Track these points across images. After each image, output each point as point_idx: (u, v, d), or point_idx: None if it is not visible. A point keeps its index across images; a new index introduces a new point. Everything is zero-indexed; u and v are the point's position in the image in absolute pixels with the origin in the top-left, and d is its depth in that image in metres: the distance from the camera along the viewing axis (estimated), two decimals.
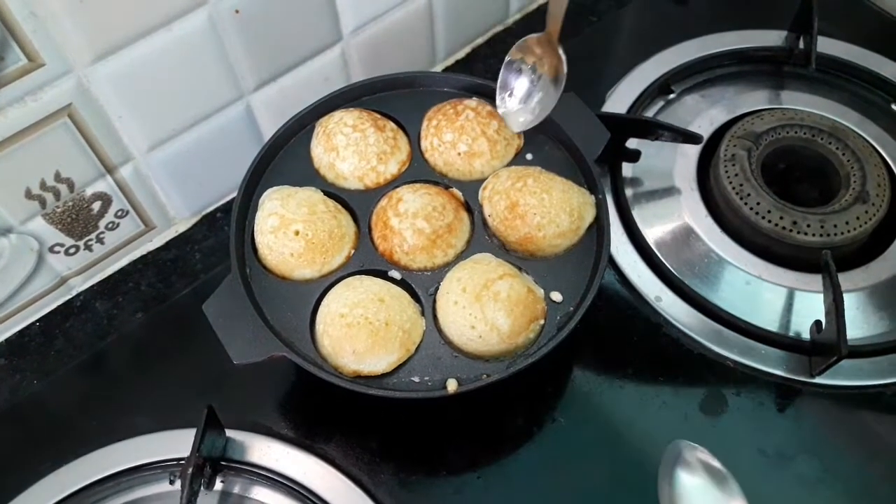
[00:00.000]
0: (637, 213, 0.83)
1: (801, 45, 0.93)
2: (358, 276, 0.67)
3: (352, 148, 0.72)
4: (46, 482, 0.68)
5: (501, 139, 0.75)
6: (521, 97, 0.74)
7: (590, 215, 0.70)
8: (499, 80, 0.75)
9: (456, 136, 0.73)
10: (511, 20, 1.04)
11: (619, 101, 0.91)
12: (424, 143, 0.75)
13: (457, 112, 0.75)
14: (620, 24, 1.03)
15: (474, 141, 0.73)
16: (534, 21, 1.04)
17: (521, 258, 0.69)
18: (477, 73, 0.99)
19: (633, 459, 0.70)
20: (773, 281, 0.77)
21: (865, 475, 0.69)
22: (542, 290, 0.66)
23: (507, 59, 0.74)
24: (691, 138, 0.82)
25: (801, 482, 0.68)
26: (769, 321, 0.75)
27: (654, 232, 0.82)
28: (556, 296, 0.66)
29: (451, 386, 0.61)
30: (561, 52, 0.72)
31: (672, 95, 0.93)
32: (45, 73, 0.65)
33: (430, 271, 0.68)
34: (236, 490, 0.67)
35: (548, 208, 0.68)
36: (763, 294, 0.77)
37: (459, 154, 0.73)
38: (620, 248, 0.81)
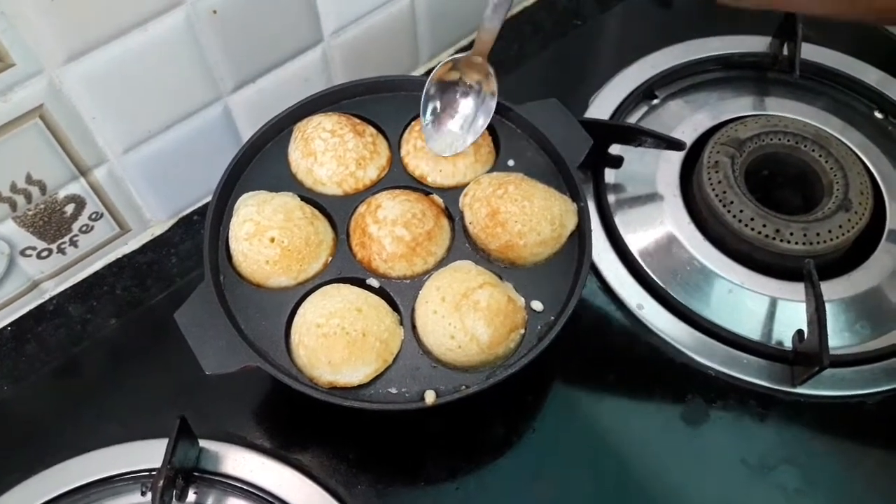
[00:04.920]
0: (619, 220, 0.82)
1: (786, 51, 0.93)
2: (335, 285, 0.66)
3: (330, 153, 0.71)
4: (13, 494, 0.66)
5: (486, 144, 0.75)
6: (466, 120, 0.73)
7: (571, 223, 0.69)
8: (430, 101, 0.73)
9: None
10: None
11: (602, 106, 0.90)
12: (406, 148, 0.74)
13: None
14: (604, 27, 1.03)
15: None
16: (518, 24, 1.03)
17: (501, 266, 0.68)
18: None
19: (613, 469, 0.69)
20: (755, 289, 0.77)
21: (847, 485, 0.68)
22: (522, 299, 0.65)
23: (439, 77, 0.72)
24: (674, 145, 0.82)
25: (782, 492, 0.68)
26: (751, 330, 0.75)
27: (637, 239, 0.81)
28: (537, 305, 0.66)
29: (430, 397, 0.60)
30: (491, 70, 0.71)
31: (656, 101, 0.92)
32: (15, 74, 0.64)
33: (409, 279, 0.67)
34: (209, 502, 0.66)
35: (529, 216, 0.67)
36: (745, 302, 0.76)
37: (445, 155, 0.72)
38: (602, 254, 0.80)
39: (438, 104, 0.73)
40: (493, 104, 0.72)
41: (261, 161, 0.73)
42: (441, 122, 0.73)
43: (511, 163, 0.74)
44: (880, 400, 0.71)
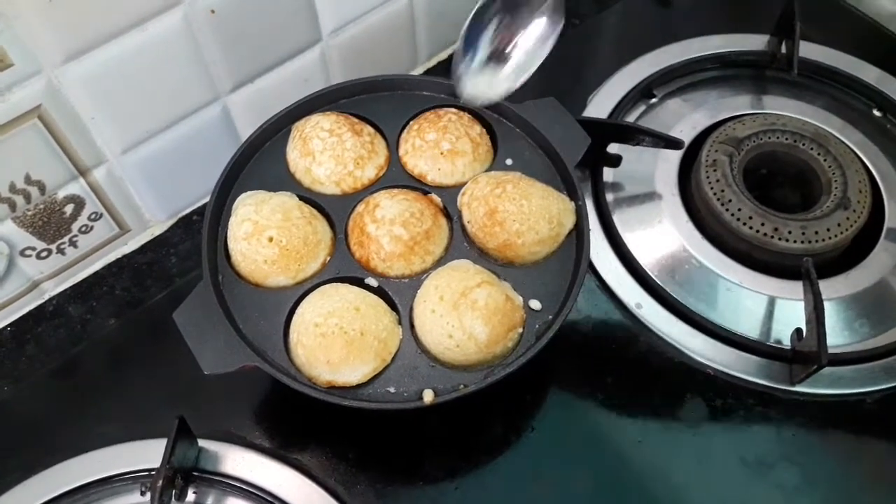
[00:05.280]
0: (618, 218, 0.82)
1: (784, 49, 0.93)
2: (333, 284, 0.66)
3: (328, 152, 0.71)
4: (14, 493, 0.67)
5: (484, 143, 0.74)
6: (521, 50, 0.62)
7: (569, 222, 0.69)
8: (467, 33, 0.60)
9: (439, 135, 0.73)
10: None
11: (600, 105, 0.90)
12: (405, 147, 0.74)
13: (439, 116, 0.75)
14: (602, 26, 1.03)
15: (458, 140, 0.73)
16: None
17: (499, 265, 0.68)
18: None
19: (612, 468, 0.69)
20: (753, 288, 0.76)
21: (845, 484, 0.68)
22: (520, 298, 0.65)
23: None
24: (673, 143, 0.82)
25: (781, 491, 0.68)
26: (750, 329, 0.75)
27: (635, 237, 0.81)
28: (535, 304, 0.66)
29: (428, 397, 0.60)
30: None
31: (654, 99, 0.92)
32: (13, 74, 0.64)
33: (407, 279, 0.67)
34: (209, 501, 0.66)
35: (527, 215, 0.67)
36: (744, 301, 0.76)
37: (442, 153, 0.72)
38: (601, 253, 0.80)
39: (494, 27, 0.60)
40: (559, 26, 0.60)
41: (259, 161, 0.73)
42: (492, 54, 0.62)
43: (509, 162, 0.74)
44: (879, 398, 0.71)
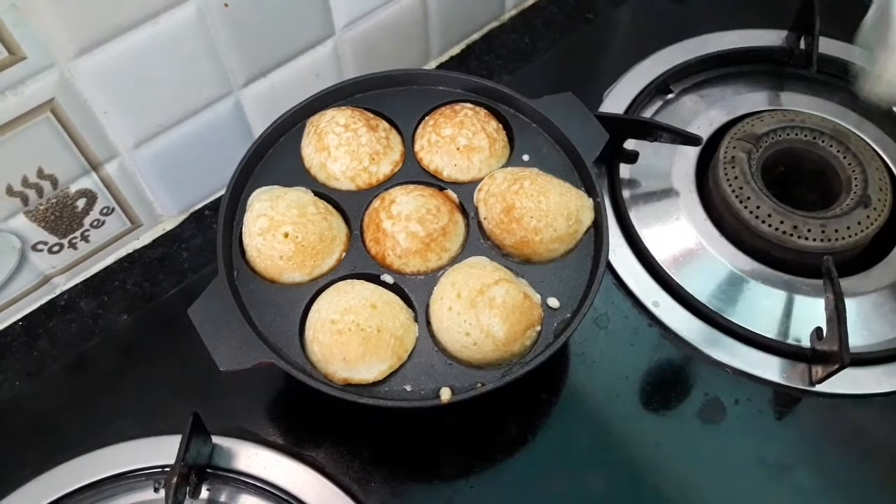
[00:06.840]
0: (634, 215, 0.81)
1: (803, 45, 0.92)
2: (349, 281, 0.65)
3: (343, 148, 0.70)
4: (26, 489, 0.66)
5: (500, 139, 0.74)
6: None
7: (587, 219, 0.68)
8: None
9: (455, 131, 0.72)
10: (507, 16, 1.03)
11: (616, 100, 0.89)
12: (420, 143, 0.74)
13: (455, 111, 0.74)
14: (618, 21, 1.02)
15: (474, 135, 0.72)
16: (529, 17, 1.02)
17: (517, 262, 0.67)
18: (472, 70, 0.97)
19: (629, 468, 0.69)
20: (772, 286, 0.76)
21: (865, 485, 0.68)
22: (538, 296, 0.65)
23: None
24: (690, 140, 0.81)
25: (799, 492, 0.67)
26: (768, 327, 0.74)
27: (652, 234, 0.80)
28: (553, 302, 0.65)
29: (445, 395, 0.59)
30: None
31: (671, 95, 0.91)
32: (26, 67, 0.63)
33: (423, 275, 0.66)
34: (223, 498, 0.66)
35: (545, 212, 0.66)
36: (762, 300, 0.75)
37: (459, 148, 0.71)
38: (617, 251, 0.79)
39: None
40: None
41: (274, 156, 0.73)
42: None
43: (526, 157, 0.73)
44: None
